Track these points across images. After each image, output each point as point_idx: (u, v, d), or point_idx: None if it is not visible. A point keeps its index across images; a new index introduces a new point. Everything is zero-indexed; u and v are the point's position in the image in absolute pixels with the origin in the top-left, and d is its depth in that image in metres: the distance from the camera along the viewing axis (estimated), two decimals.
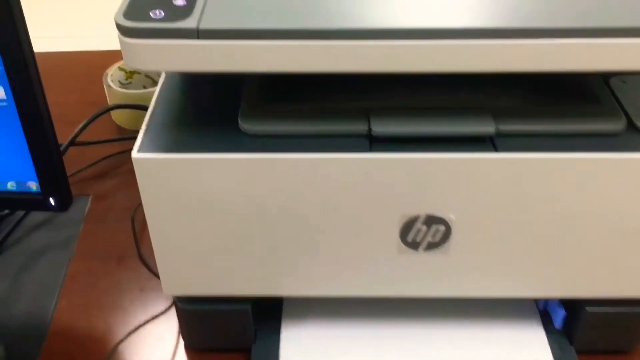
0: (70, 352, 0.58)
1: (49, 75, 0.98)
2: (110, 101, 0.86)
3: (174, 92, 0.51)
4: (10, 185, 0.57)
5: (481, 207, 0.47)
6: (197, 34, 0.40)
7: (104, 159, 0.81)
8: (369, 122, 0.46)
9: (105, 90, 0.87)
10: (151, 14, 0.41)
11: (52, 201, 0.57)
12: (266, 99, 0.48)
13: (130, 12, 0.41)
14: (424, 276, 0.51)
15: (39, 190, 0.57)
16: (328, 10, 0.41)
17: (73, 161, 0.79)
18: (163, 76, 0.53)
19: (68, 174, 0.76)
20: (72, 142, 0.77)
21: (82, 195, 0.77)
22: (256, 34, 0.40)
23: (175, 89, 0.51)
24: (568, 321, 0.57)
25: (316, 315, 0.59)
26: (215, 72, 0.41)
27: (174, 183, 0.46)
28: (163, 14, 0.41)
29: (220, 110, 0.48)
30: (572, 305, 0.56)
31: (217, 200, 0.46)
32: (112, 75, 0.87)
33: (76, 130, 0.77)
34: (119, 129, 0.87)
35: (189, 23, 0.40)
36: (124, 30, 0.40)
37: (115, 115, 0.87)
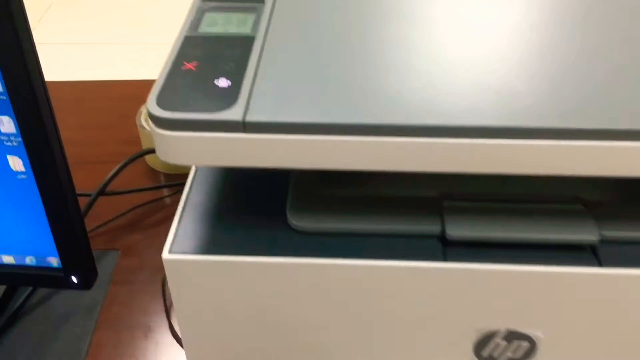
0: None
1: (77, 106, 0.93)
2: (144, 143, 0.80)
3: (210, 178, 0.44)
4: (29, 260, 0.51)
5: (574, 325, 0.39)
6: (244, 126, 0.33)
7: (134, 208, 0.75)
8: (442, 221, 0.38)
9: (139, 132, 0.81)
10: (188, 97, 0.34)
11: (74, 279, 0.51)
12: (317, 188, 0.41)
13: (164, 97, 0.34)
14: None
15: (60, 266, 0.51)
16: (389, 99, 0.34)
17: (101, 212, 0.74)
18: None
19: (95, 225, 0.70)
20: (102, 192, 0.71)
21: (110, 250, 0.71)
22: (311, 129, 0.33)
23: (212, 174, 0.44)
24: None
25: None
26: (263, 167, 0.34)
27: (208, 287, 0.39)
28: (202, 97, 0.34)
29: (264, 202, 0.41)
30: None
31: (255, 304, 0.40)
32: (146, 115, 0.81)
33: (106, 178, 0.71)
34: (152, 172, 0.81)
35: (234, 114, 0.33)
36: (156, 121, 0.33)
37: (150, 158, 0.81)
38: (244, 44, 0.38)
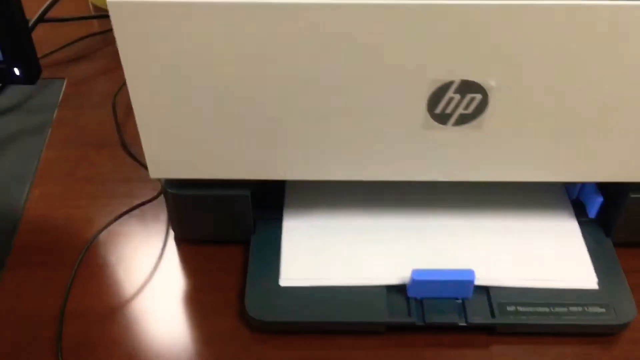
0: (45, 245, 0.52)
1: None
2: None
3: None
4: None
5: (528, 71, 0.39)
6: None
7: (80, 39, 0.72)
8: None
9: None
10: None
11: (17, 71, 0.49)
12: None
13: None
14: (452, 156, 0.44)
15: (2, 58, 0.49)
16: None
17: (45, 41, 0.70)
18: None
19: (40, 54, 0.67)
20: (42, 18, 0.67)
21: (56, 79, 0.68)
22: None
23: None
24: (605, 210, 0.51)
25: (321, 203, 0.52)
26: None
27: (156, 37, 0.38)
28: None
29: None
30: (612, 192, 0.49)
31: (203, 53, 0.38)
32: None
33: (46, 4, 0.68)
34: (96, 8, 0.77)
35: None
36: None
37: None
38: None
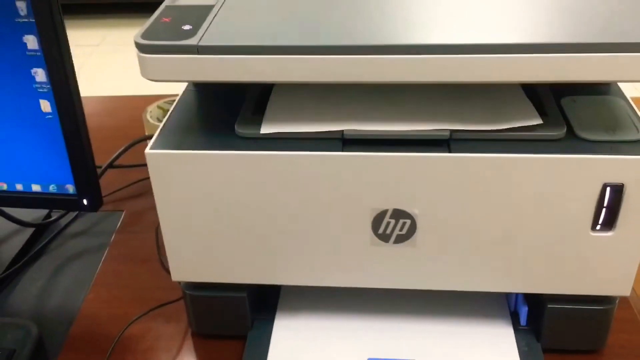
0: (92, 336, 0.67)
1: (95, 115, 1.12)
2: (148, 132, 0.97)
3: (188, 106, 0.61)
4: (52, 188, 0.68)
5: (441, 203, 0.54)
6: (197, 50, 0.50)
7: (139, 181, 0.92)
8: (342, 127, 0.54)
9: (145, 126, 0.98)
10: (162, 35, 0.51)
11: (85, 202, 0.67)
12: (260, 111, 0.57)
13: (146, 34, 0.51)
14: (395, 267, 0.58)
15: (75, 192, 0.67)
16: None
17: (113, 182, 0.90)
18: (180, 94, 0.63)
19: (107, 192, 0.87)
20: (111, 165, 0.88)
21: (117, 211, 0.87)
22: (242, 50, 0.49)
23: (189, 103, 0.61)
24: (532, 318, 0.62)
25: (310, 305, 0.66)
26: (211, 81, 0.51)
27: (179, 176, 0.55)
28: (172, 35, 0.51)
29: (224, 120, 0.57)
30: (536, 302, 0.61)
31: (214, 192, 0.55)
32: (151, 112, 0.99)
33: (115, 154, 0.88)
34: None
35: (191, 42, 0.50)
36: (140, 47, 0.50)
37: None
38: (207, 8, 0.55)
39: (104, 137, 1.04)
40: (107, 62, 2.85)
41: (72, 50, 0.61)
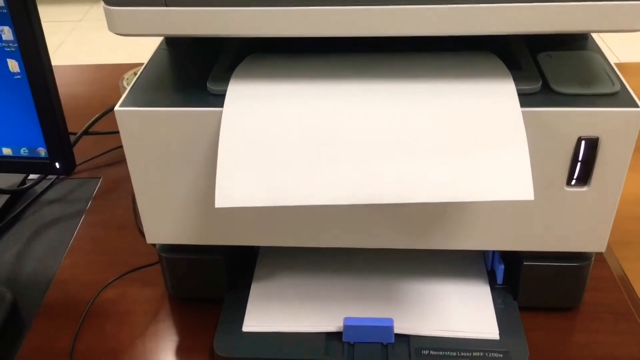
0: (67, 300, 0.66)
1: (73, 84, 1.10)
2: None
3: (159, 64, 0.59)
4: (23, 151, 0.66)
5: None
6: (165, 2, 0.48)
7: (116, 148, 0.90)
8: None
9: (121, 93, 0.96)
10: None
11: (57, 165, 0.66)
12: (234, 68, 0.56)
13: None
14: (372, 227, 0.57)
15: (47, 155, 0.66)
16: None
17: (88, 149, 0.89)
18: (152, 53, 0.62)
19: (83, 159, 0.86)
20: (87, 131, 0.87)
21: (94, 178, 0.86)
22: (212, 1, 0.48)
23: (161, 62, 0.60)
24: (509, 276, 0.62)
25: (287, 269, 0.65)
26: (181, 35, 0.50)
27: (150, 134, 0.54)
28: None
29: (196, 78, 0.56)
30: (512, 260, 0.61)
31: (186, 150, 0.54)
32: (128, 79, 0.97)
33: (91, 120, 0.87)
34: None
35: None
36: (106, 0, 0.49)
37: None
38: None
39: (81, 105, 1.03)
40: (89, 38, 2.81)
41: (53, 27, 0.59)
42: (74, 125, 0.87)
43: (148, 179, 0.57)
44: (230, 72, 0.55)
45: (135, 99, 0.54)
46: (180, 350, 0.61)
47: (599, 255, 0.68)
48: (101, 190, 0.84)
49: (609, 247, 0.70)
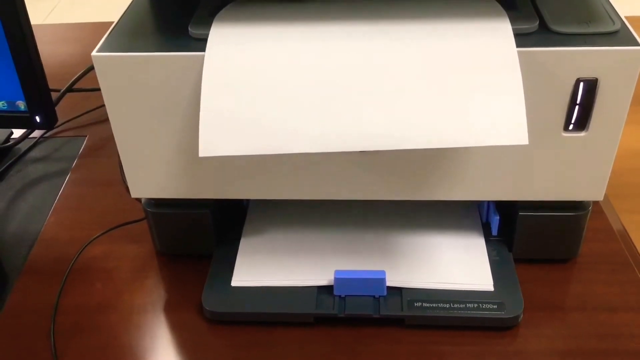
0: (52, 256, 0.65)
1: (60, 41, 1.07)
2: None
3: (140, 9, 0.57)
4: (2, 105, 0.64)
5: None
6: None
7: (102, 106, 0.88)
8: None
9: None
10: None
11: (37, 119, 0.64)
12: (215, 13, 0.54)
13: None
14: (364, 178, 0.56)
15: (26, 109, 0.64)
16: None
17: (74, 106, 0.87)
18: None
19: (67, 117, 0.84)
20: (71, 88, 0.84)
21: (79, 137, 0.84)
22: None
23: (141, 7, 0.57)
24: (504, 228, 0.60)
25: (277, 224, 0.64)
26: None
27: (130, 81, 0.52)
28: None
29: (177, 23, 0.54)
30: (508, 211, 0.59)
31: (167, 98, 0.52)
32: None
33: (75, 76, 0.84)
34: None
35: None
36: None
37: None
38: None
39: (67, 63, 1.00)
40: (80, 3, 2.76)
41: None
42: (60, 83, 0.85)
43: (130, 129, 0.54)
44: (213, 16, 0.53)
45: (114, 43, 0.52)
46: (168, 305, 0.60)
47: (597, 207, 0.66)
48: (87, 148, 0.82)
49: (607, 199, 0.68)
